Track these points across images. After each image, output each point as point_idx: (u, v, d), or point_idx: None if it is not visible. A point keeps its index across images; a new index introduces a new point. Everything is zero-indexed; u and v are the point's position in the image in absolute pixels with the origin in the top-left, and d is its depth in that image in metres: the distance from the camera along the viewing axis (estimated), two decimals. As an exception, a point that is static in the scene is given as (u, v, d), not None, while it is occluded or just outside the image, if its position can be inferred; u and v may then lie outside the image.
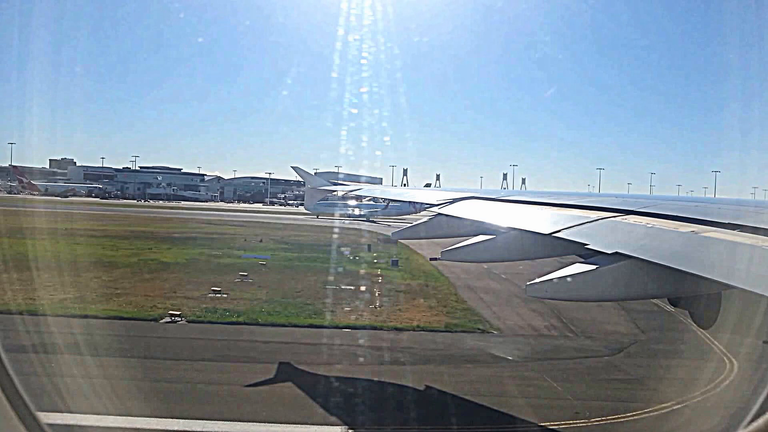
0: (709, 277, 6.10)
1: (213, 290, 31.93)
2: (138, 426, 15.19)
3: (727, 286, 6.15)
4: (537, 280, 7.81)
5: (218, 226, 74.84)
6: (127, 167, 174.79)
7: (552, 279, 7.58)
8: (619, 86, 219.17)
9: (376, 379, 20.00)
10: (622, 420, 17.41)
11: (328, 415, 16.45)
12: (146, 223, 74.41)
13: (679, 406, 18.20)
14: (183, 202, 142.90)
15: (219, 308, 28.51)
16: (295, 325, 26.33)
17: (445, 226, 14.88)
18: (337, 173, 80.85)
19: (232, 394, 18.37)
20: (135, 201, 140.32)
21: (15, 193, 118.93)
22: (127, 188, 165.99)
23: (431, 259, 42.68)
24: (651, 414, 17.64)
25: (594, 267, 7.34)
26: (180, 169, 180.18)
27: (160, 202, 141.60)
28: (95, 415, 15.09)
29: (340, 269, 40.65)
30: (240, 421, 16.28)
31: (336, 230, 72.44)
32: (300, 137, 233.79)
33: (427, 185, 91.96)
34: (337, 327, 26.29)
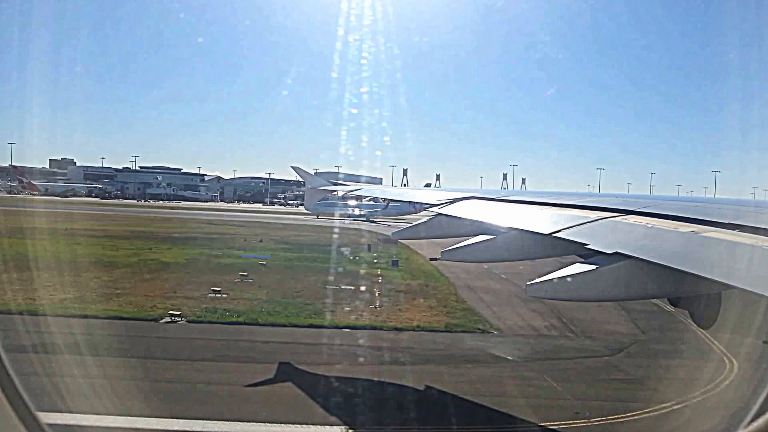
0: (709, 277, 6.10)
1: (213, 290, 31.93)
2: (138, 426, 15.19)
3: (727, 286, 6.15)
4: (537, 280, 7.81)
5: (218, 226, 74.83)
6: (127, 167, 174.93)
7: (552, 279, 7.57)
8: (619, 86, 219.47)
9: (376, 379, 20.00)
10: (622, 420, 17.41)
11: (328, 415, 16.45)
12: (146, 223, 74.40)
13: (679, 406, 18.19)
14: (183, 202, 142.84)
15: (219, 308, 28.51)
16: (295, 325, 26.32)
17: (445, 226, 14.86)
18: (337, 173, 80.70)
19: (232, 394, 18.37)
20: (135, 201, 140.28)
21: (15, 193, 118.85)
22: (127, 188, 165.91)
23: (431, 259, 42.68)
24: (651, 414, 17.64)
25: (594, 267, 7.34)
26: (180, 169, 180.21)
27: (160, 202, 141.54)
28: (95, 415, 15.09)
29: (340, 269, 40.63)
30: (240, 421, 16.28)
31: (336, 230, 72.40)
32: (300, 137, 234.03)
33: (427, 185, 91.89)
34: (337, 327, 26.28)
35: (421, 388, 19.48)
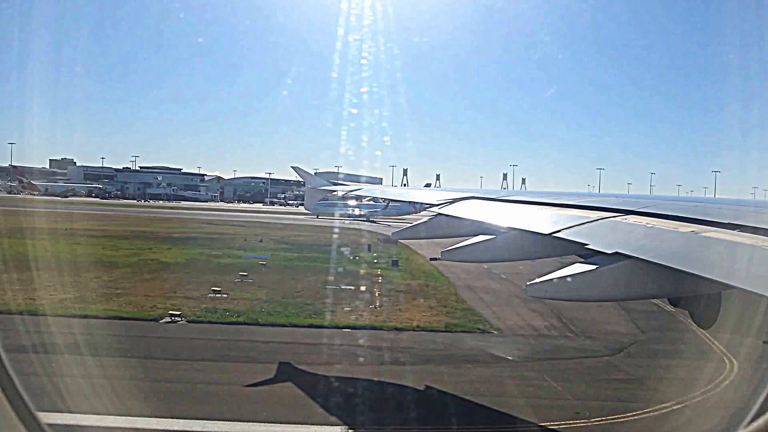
0: (709, 277, 6.10)
1: (213, 290, 31.93)
2: (138, 426, 15.19)
3: (727, 286, 6.15)
4: (537, 280, 7.80)
5: (218, 226, 74.84)
6: (127, 167, 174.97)
7: (552, 279, 7.57)
8: (619, 86, 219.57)
9: (376, 379, 20.00)
10: (622, 420, 17.41)
11: (328, 415, 16.45)
12: (146, 223, 74.40)
13: (679, 406, 18.20)
14: (183, 202, 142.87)
15: (219, 308, 28.51)
16: (295, 325, 26.33)
17: (445, 226, 14.86)
18: (337, 173, 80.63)
19: (232, 394, 18.37)
20: (135, 201, 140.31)
21: (15, 193, 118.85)
22: (127, 188, 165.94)
23: (431, 259, 42.69)
24: (651, 414, 17.64)
25: (594, 267, 7.34)
26: (180, 169, 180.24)
27: (160, 202, 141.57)
28: (95, 415, 15.09)
29: (340, 269, 40.64)
30: (240, 421, 16.28)
31: (336, 230, 72.40)
32: (300, 137, 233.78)
33: (427, 185, 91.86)
34: (337, 327, 26.29)
35: (421, 388, 19.48)
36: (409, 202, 32.23)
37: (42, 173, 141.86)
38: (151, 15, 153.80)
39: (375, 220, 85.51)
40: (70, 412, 14.49)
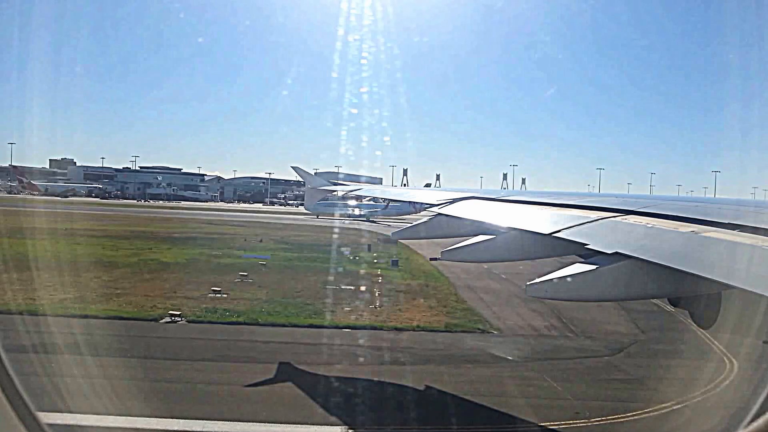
0: (709, 277, 6.10)
1: (213, 290, 31.93)
2: (138, 426, 15.19)
3: (727, 286, 6.14)
4: (537, 280, 7.80)
5: (218, 226, 74.83)
6: (127, 167, 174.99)
7: (552, 279, 7.57)
8: (619, 86, 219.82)
9: (376, 379, 20.00)
10: (622, 420, 17.41)
11: (328, 415, 16.46)
12: (146, 223, 74.39)
13: (679, 406, 18.20)
14: (183, 202, 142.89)
15: (219, 308, 28.51)
16: (295, 325, 26.33)
17: (445, 226, 14.87)
18: (337, 173, 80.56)
19: (232, 394, 18.37)
20: (135, 201, 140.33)
21: (15, 193, 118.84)
22: (127, 188, 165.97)
23: (431, 259, 42.70)
24: (651, 414, 17.64)
25: (594, 267, 7.33)
26: (180, 169, 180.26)
27: (160, 202, 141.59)
28: (95, 415, 15.09)
29: (340, 269, 40.64)
30: (240, 421, 16.29)
31: (336, 230, 72.40)
32: (300, 137, 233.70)
33: (427, 185, 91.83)
34: (337, 327, 26.29)
35: (421, 388, 19.49)
36: (409, 202, 32.23)
37: (42, 173, 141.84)
38: (151, 15, 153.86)
39: (375, 220, 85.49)
40: (70, 412, 14.49)
